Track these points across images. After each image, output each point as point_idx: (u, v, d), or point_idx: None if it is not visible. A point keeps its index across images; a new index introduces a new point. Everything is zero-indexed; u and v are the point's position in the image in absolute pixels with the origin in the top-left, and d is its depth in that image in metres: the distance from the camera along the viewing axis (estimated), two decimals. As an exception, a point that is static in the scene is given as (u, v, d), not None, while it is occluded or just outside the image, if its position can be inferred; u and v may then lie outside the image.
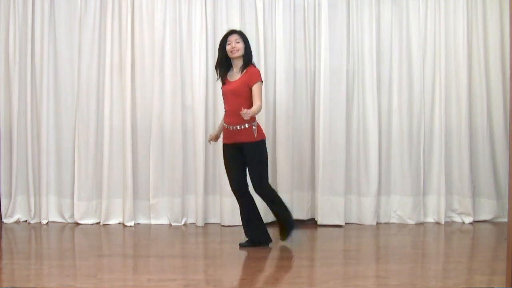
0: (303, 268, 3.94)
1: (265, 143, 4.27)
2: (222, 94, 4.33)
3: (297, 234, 4.54)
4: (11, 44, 5.10)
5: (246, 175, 4.30)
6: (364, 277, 3.71)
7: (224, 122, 4.30)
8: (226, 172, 4.38)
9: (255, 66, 4.28)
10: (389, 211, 5.29)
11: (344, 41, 5.17)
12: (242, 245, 4.38)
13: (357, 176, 5.25)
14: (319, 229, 5.11)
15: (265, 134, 4.33)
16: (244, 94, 4.16)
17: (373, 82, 5.17)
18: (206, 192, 5.21)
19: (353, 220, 5.26)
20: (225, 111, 4.32)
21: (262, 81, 4.21)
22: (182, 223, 5.22)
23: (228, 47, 4.25)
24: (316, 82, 5.18)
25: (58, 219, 5.24)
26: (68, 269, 3.88)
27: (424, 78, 5.24)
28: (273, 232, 4.49)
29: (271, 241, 4.41)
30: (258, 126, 4.24)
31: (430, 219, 5.30)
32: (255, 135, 4.17)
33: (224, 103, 4.33)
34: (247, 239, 4.42)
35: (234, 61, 4.29)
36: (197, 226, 5.15)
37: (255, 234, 4.39)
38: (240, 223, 5.14)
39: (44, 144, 5.14)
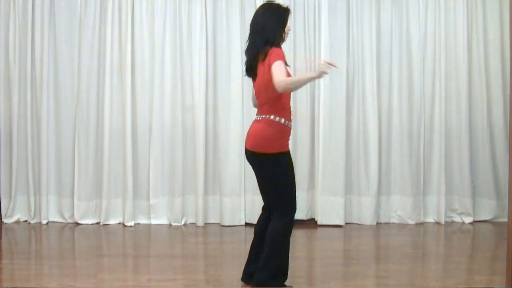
0: (303, 268, 3.94)
1: None
2: None
3: None
4: (11, 44, 5.10)
5: None
6: (364, 277, 3.72)
7: (289, 122, 3.29)
8: (293, 188, 3.29)
9: None
10: (389, 211, 5.29)
11: (344, 41, 5.17)
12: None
13: (357, 176, 5.25)
14: (319, 229, 5.11)
15: None
16: None
17: (373, 82, 5.17)
18: (206, 192, 5.21)
19: (353, 220, 5.26)
20: (288, 107, 3.31)
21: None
22: (182, 223, 5.22)
23: (286, 29, 3.30)
24: (316, 82, 5.18)
25: (58, 219, 5.24)
26: (68, 269, 3.88)
27: (424, 78, 5.24)
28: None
29: None
30: None
31: (430, 219, 5.30)
32: None
33: (286, 96, 3.29)
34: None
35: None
36: (197, 226, 5.15)
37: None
38: (240, 223, 5.18)
39: (44, 144, 5.14)
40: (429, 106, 5.26)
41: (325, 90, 5.12)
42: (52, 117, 5.19)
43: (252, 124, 3.33)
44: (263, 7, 3.32)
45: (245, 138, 3.32)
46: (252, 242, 3.42)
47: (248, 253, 3.45)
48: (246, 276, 3.43)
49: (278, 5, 3.32)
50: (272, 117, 3.19)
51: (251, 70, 3.27)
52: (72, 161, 5.19)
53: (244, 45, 5.01)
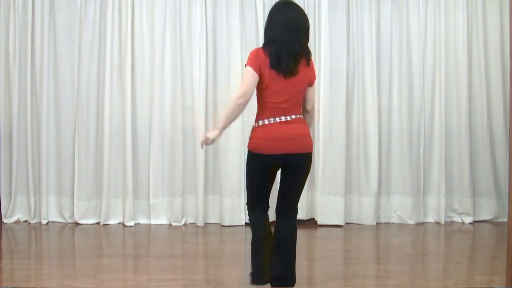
0: (303, 268, 3.94)
1: (252, 155, 3.18)
2: None
3: None
4: (11, 44, 5.10)
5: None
6: (364, 277, 3.72)
7: None
8: None
9: (261, 49, 3.13)
10: (389, 211, 5.29)
11: (344, 41, 5.17)
12: None
13: (357, 176, 5.25)
14: (319, 229, 5.11)
15: (256, 144, 3.14)
16: None
17: (373, 82, 5.17)
18: (206, 192, 5.21)
19: (353, 220, 5.26)
20: None
21: (248, 65, 3.09)
22: (182, 223, 5.22)
23: None
24: (316, 82, 5.17)
25: (58, 219, 5.24)
26: (68, 269, 3.88)
27: (424, 78, 5.24)
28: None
29: None
30: (254, 131, 3.20)
31: (430, 219, 5.30)
32: (249, 139, 3.24)
33: None
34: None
35: None
36: (197, 226, 5.15)
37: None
38: (240, 223, 5.19)
39: (44, 144, 5.14)
40: (429, 106, 5.26)
41: (325, 90, 5.12)
42: (52, 117, 5.19)
43: (291, 125, 3.12)
44: (300, 8, 3.18)
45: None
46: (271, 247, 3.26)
47: (264, 256, 3.25)
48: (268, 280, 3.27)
49: None
50: (302, 117, 3.21)
51: (293, 67, 3.08)
52: (72, 161, 5.19)
53: (244, 43, 5.12)
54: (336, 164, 5.16)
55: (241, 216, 5.16)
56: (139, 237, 4.88)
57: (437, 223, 5.25)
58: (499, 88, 5.26)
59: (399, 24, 5.23)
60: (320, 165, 5.13)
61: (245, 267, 4.02)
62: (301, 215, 5.17)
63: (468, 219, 5.24)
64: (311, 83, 3.21)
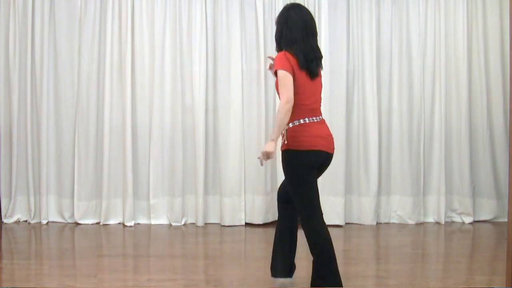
0: (303, 268, 3.94)
1: (298, 154, 3.13)
2: None
3: None
4: (11, 44, 5.10)
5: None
6: (364, 277, 3.72)
7: None
8: None
9: (287, 52, 3.12)
10: (389, 211, 5.29)
11: (344, 41, 5.17)
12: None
13: (357, 176, 5.25)
14: (319, 229, 5.10)
15: (301, 142, 3.11)
16: (277, 87, 3.20)
17: (373, 82, 5.17)
18: (206, 192, 5.21)
19: (353, 220, 5.26)
20: None
21: (282, 69, 3.05)
22: (182, 223, 5.22)
23: None
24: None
25: (58, 219, 5.24)
26: (68, 269, 3.88)
27: (424, 78, 5.24)
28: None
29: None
30: (293, 130, 3.13)
31: (430, 219, 5.30)
32: (285, 140, 3.15)
33: None
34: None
35: None
36: (197, 226, 5.15)
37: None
38: (240, 223, 5.19)
39: (44, 144, 5.14)
40: (429, 106, 5.26)
41: (325, 90, 5.07)
42: (52, 117, 5.19)
43: (324, 125, 3.23)
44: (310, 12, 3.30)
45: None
46: None
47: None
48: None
49: None
50: None
51: (316, 69, 3.19)
52: (72, 161, 5.19)
53: (244, 43, 5.12)
54: (336, 164, 5.12)
55: (241, 216, 5.16)
56: (139, 237, 4.88)
57: (437, 223, 5.25)
58: (499, 88, 5.26)
59: (399, 24, 5.23)
60: (320, 165, 5.13)
61: (245, 267, 4.02)
62: (301, 215, 5.19)
63: (468, 219, 5.24)
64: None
